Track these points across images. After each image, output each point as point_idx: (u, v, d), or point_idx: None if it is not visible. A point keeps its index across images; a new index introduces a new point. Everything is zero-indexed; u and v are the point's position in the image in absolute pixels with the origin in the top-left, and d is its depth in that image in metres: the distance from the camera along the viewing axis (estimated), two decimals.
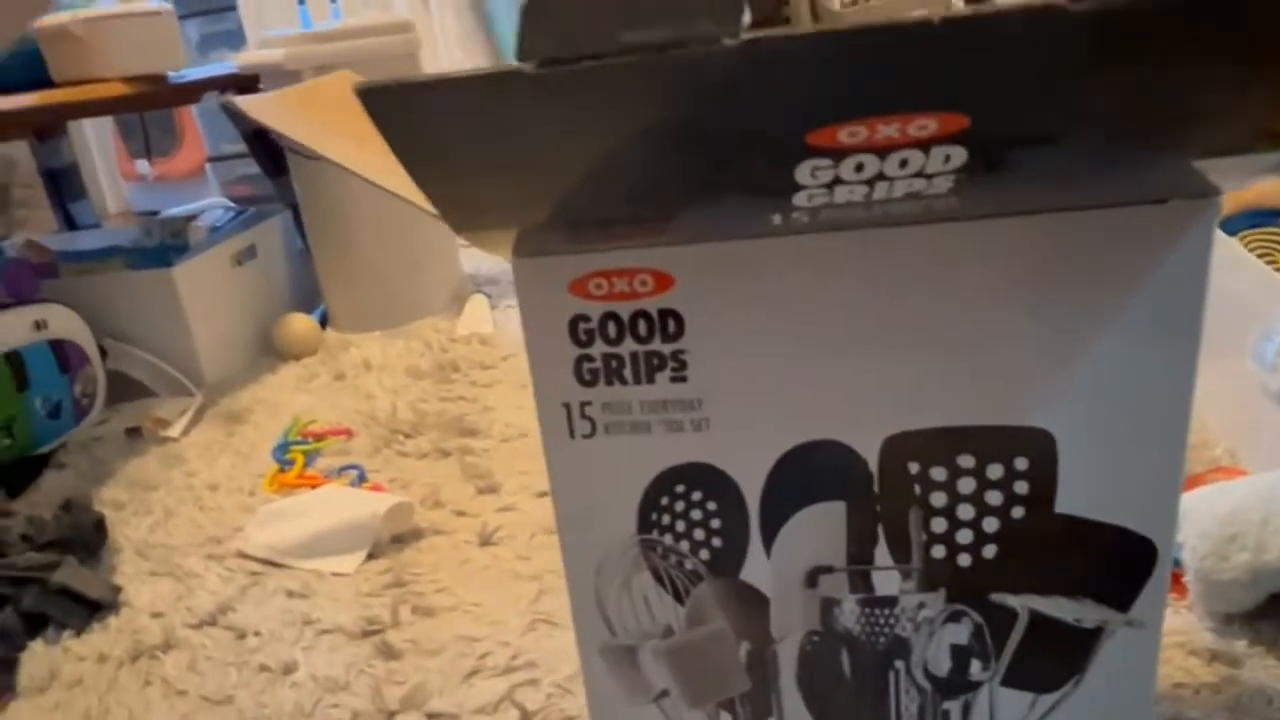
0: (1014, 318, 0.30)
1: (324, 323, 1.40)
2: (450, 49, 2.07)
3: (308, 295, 1.45)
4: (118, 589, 0.81)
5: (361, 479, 0.97)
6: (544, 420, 0.34)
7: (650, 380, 0.32)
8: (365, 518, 0.83)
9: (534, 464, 0.97)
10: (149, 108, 1.71)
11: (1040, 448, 0.32)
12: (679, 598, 0.36)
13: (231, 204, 1.42)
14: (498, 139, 0.20)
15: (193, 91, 1.33)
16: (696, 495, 0.34)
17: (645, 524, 0.35)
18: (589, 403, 0.33)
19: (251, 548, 0.85)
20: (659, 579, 0.36)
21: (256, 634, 0.75)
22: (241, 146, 1.69)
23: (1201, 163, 0.27)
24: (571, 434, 0.34)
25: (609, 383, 0.33)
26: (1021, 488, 0.33)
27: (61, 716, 0.69)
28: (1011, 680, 0.36)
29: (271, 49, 1.22)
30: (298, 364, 1.30)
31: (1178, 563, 0.65)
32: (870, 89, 0.18)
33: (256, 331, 1.34)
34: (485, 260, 1.67)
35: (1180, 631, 0.63)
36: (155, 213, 1.55)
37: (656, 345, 0.32)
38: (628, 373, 0.32)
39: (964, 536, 0.34)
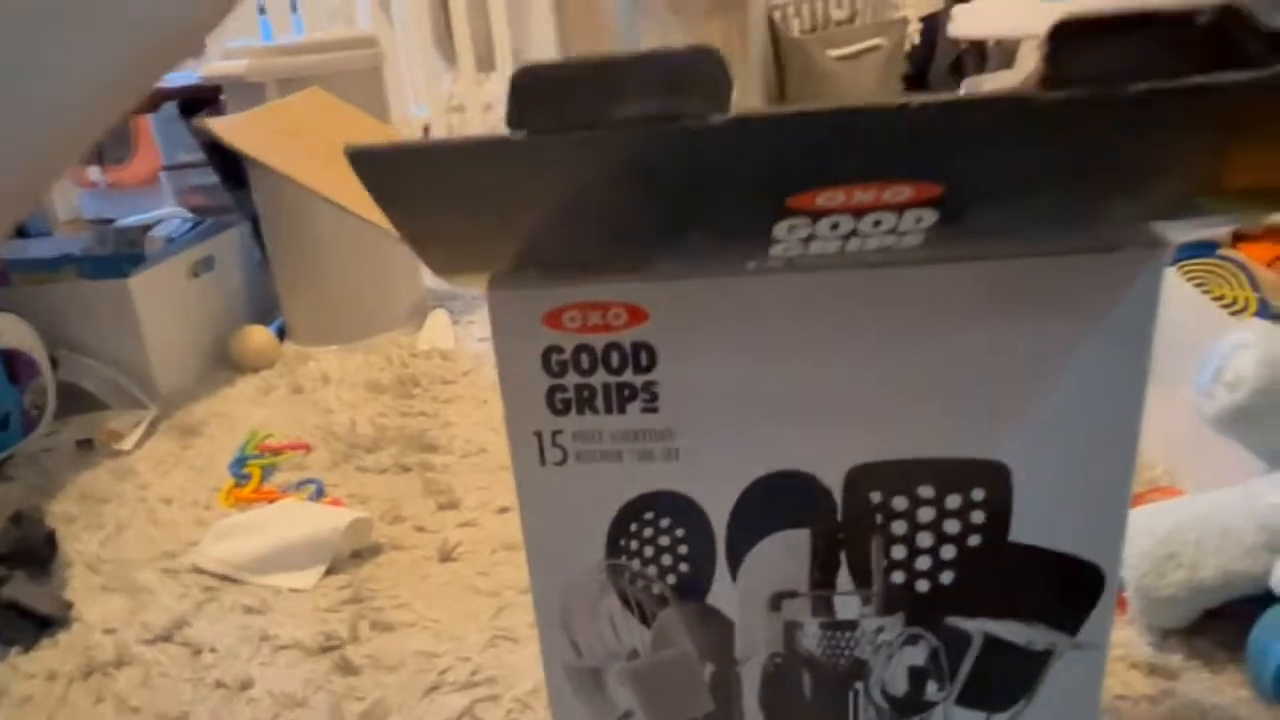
0: (973, 356, 0.32)
1: (282, 335, 1.39)
2: (413, 64, 2.07)
3: (265, 307, 1.43)
4: (69, 604, 0.80)
5: (320, 494, 0.96)
6: (515, 447, 0.35)
7: (622, 410, 0.33)
8: (325, 533, 0.83)
9: (494, 480, 0.97)
10: None
11: (996, 479, 0.34)
12: (645, 621, 0.37)
13: (189, 214, 1.40)
14: (484, 199, 0.21)
15: (155, 100, 1.31)
16: (665, 522, 0.35)
17: (614, 549, 0.36)
18: (560, 431, 0.34)
19: (207, 562, 0.84)
20: (626, 603, 0.37)
21: (212, 650, 0.74)
22: (197, 156, 1.67)
23: (1154, 223, 0.29)
24: (543, 461, 0.34)
25: (581, 412, 0.34)
26: (978, 517, 0.34)
27: None
28: (965, 700, 0.38)
29: (235, 60, 1.21)
30: (255, 376, 1.28)
31: (1119, 581, 0.68)
32: (849, 161, 0.19)
33: (212, 343, 1.32)
34: None
35: (1121, 645, 0.66)
36: (109, 221, 1.51)
37: (628, 377, 0.33)
38: (599, 403, 0.33)
39: (923, 563, 0.35)
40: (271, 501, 0.94)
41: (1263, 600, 0.62)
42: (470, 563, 0.84)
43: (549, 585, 0.37)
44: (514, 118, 0.19)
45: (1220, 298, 0.93)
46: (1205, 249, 1.02)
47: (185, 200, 1.87)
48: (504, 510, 0.91)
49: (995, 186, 0.21)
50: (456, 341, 1.35)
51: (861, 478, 0.34)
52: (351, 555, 0.85)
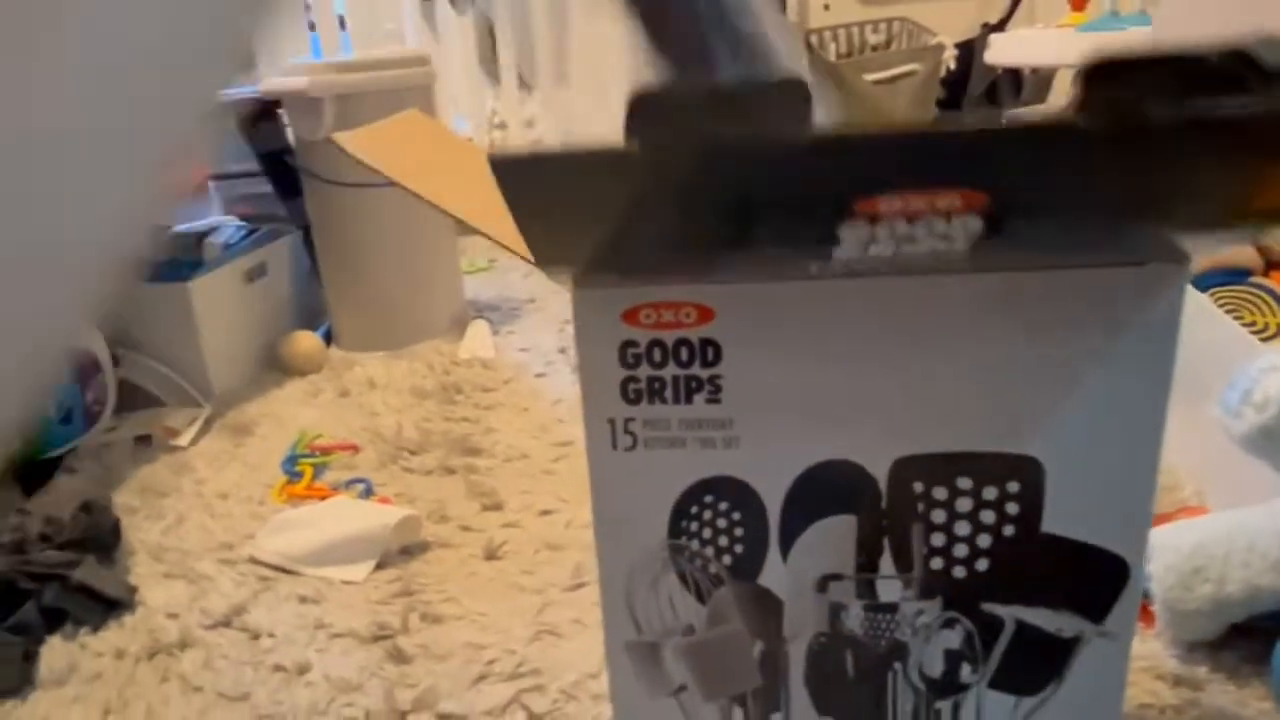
0: (1010, 359, 0.35)
1: (329, 341, 1.43)
2: (455, 80, 2.13)
3: (313, 314, 1.48)
4: (134, 589, 0.84)
5: (369, 492, 1.00)
6: (590, 433, 0.38)
7: (688, 401, 0.37)
8: (375, 529, 0.87)
9: (536, 484, 1.00)
10: None
11: (1030, 473, 0.36)
12: (701, 599, 0.40)
13: (242, 222, 1.46)
14: (592, 199, 0.25)
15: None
16: (723, 505, 0.38)
17: (675, 530, 0.39)
18: (632, 419, 0.37)
19: (263, 554, 0.88)
20: (684, 581, 0.40)
21: (270, 635, 0.77)
22: (247, 165, 1.73)
23: (1191, 238, 0.32)
24: (614, 446, 0.38)
25: (651, 402, 0.37)
26: (1012, 509, 0.37)
27: (81, 709, 0.71)
28: (997, 683, 0.40)
29: (295, 76, 1.27)
30: (303, 380, 1.33)
31: (1147, 594, 0.70)
32: (908, 172, 0.23)
33: (263, 347, 1.37)
34: (486, 287, 1.71)
35: (1148, 657, 0.68)
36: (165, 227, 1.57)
37: (696, 370, 0.36)
38: (668, 393, 0.37)
39: (960, 551, 0.38)
40: (323, 498, 0.98)
41: None
42: (515, 561, 0.87)
43: (616, 563, 0.40)
44: (630, 132, 0.22)
45: (1251, 323, 0.95)
46: (1237, 276, 1.04)
47: (233, 209, 1.93)
48: (546, 512, 0.94)
49: (1034, 199, 0.25)
50: (497, 351, 1.39)
51: (905, 469, 0.37)
52: (400, 551, 0.88)
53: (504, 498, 0.97)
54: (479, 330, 1.45)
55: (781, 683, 0.41)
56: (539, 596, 0.81)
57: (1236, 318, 0.93)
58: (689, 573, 0.40)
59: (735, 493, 0.38)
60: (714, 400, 0.37)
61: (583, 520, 0.40)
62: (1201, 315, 0.91)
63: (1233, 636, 0.68)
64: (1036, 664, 0.40)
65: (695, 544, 0.39)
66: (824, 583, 0.39)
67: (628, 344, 0.36)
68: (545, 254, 0.27)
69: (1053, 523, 0.37)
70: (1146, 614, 0.71)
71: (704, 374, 0.36)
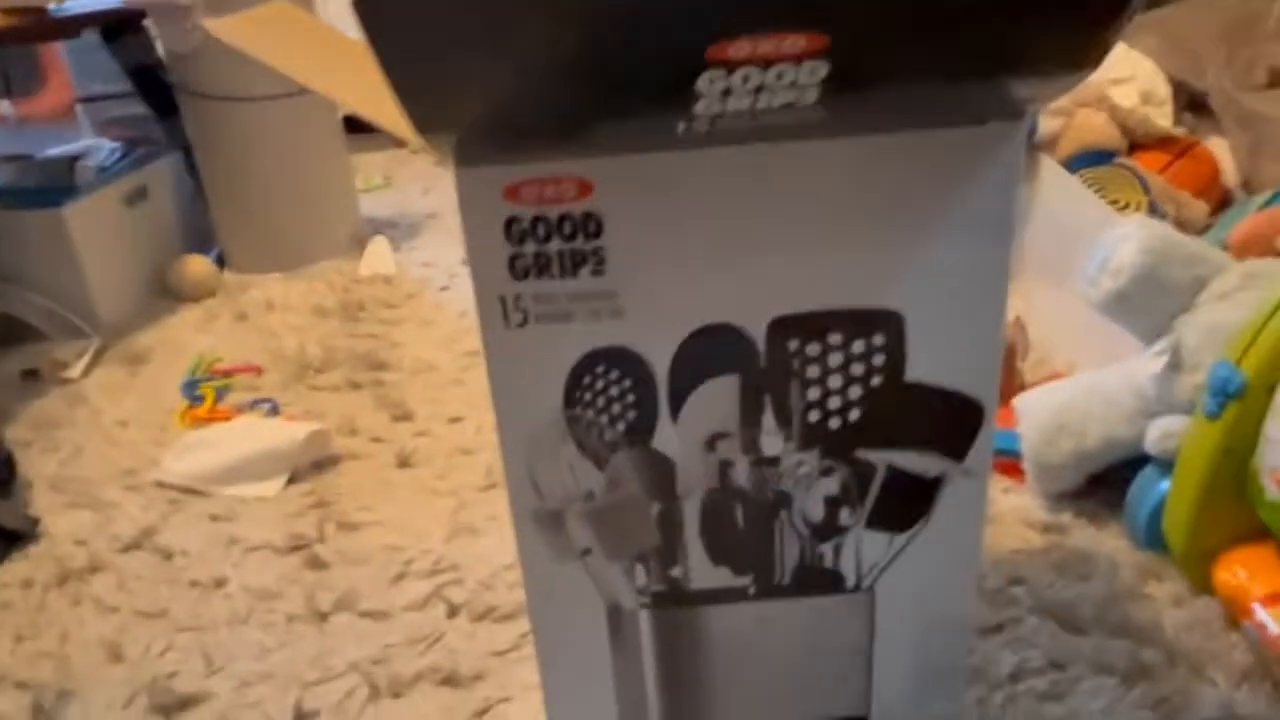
0: (869, 219, 0.37)
1: (221, 264, 1.39)
2: None
3: (201, 237, 1.43)
4: (35, 520, 0.83)
5: (275, 411, 0.99)
6: (482, 311, 0.39)
7: (574, 274, 0.38)
8: (284, 444, 0.87)
9: (444, 393, 1.01)
10: (27, 41, 1.63)
11: (892, 326, 0.39)
12: (599, 465, 0.43)
13: (117, 144, 1.38)
14: (460, 45, 0.25)
15: (75, 26, 1.28)
16: (614, 374, 0.40)
17: (570, 400, 0.41)
18: (521, 295, 0.39)
19: (170, 477, 0.87)
20: (582, 449, 0.42)
21: (184, 554, 0.78)
22: (116, 86, 1.63)
23: (1020, 85, 0.34)
24: (507, 323, 0.39)
25: (539, 277, 0.38)
26: (878, 360, 0.40)
27: None
28: (873, 524, 0.44)
29: None
30: (197, 305, 1.30)
31: (1017, 453, 0.76)
32: (754, 13, 0.24)
33: (151, 273, 1.32)
34: (384, 205, 1.68)
35: (1019, 509, 0.74)
36: (25, 156, 1.48)
37: (579, 244, 0.38)
38: (555, 268, 0.38)
39: (834, 403, 0.41)
40: (228, 420, 0.97)
41: (1140, 462, 0.71)
42: (428, 468, 0.88)
43: (515, 437, 0.42)
44: None
45: (1115, 201, 1.01)
46: (1104, 158, 1.10)
47: (105, 132, 1.82)
48: (455, 420, 0.96)
49: (870, 39, 0.27)
50: (398, 268, 1.37)
51: (780, 328, 0.39)
52: (312, 465, 0.89)
53: (413, 408, 0.98)
54: (379, 247, 1.42)
55: (678, 538, 0.44)
56: (453, 499, 0.83)
57: (1102, 195, 0.98)
58: (586, 441, 0.42)
59: (624, 361, 0.40)
60: (599, 273, 0.38)
61: (493, 424, 0.41)
62: (1070, 196, 0.97)
63: (1093, 486, 0.75)
64: (907, 503, 0.44)
65: (590, 413, 0.41)
66: (712, 441, 0.42)
67: (512, 220, 0.37)
68: (421, 115, 0.28)
69: (915, 371, 0.40)
70: (1017, 471, 0.77)
71: (587, 247, 0.38)
